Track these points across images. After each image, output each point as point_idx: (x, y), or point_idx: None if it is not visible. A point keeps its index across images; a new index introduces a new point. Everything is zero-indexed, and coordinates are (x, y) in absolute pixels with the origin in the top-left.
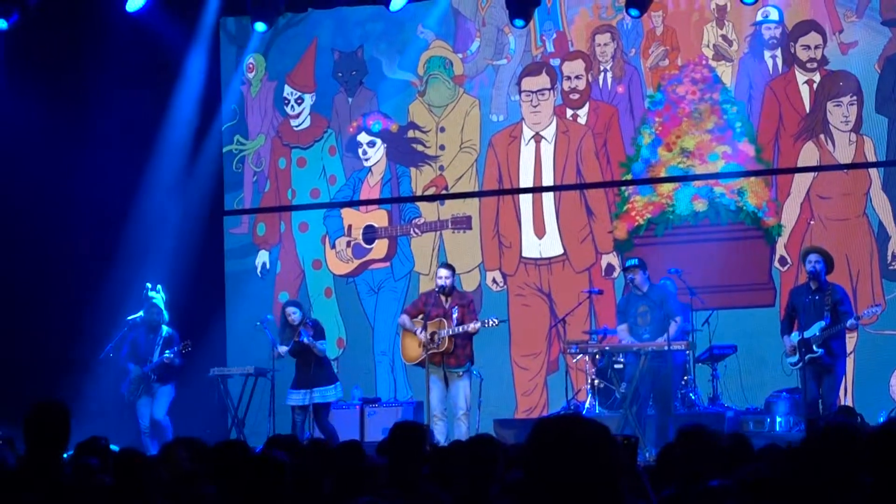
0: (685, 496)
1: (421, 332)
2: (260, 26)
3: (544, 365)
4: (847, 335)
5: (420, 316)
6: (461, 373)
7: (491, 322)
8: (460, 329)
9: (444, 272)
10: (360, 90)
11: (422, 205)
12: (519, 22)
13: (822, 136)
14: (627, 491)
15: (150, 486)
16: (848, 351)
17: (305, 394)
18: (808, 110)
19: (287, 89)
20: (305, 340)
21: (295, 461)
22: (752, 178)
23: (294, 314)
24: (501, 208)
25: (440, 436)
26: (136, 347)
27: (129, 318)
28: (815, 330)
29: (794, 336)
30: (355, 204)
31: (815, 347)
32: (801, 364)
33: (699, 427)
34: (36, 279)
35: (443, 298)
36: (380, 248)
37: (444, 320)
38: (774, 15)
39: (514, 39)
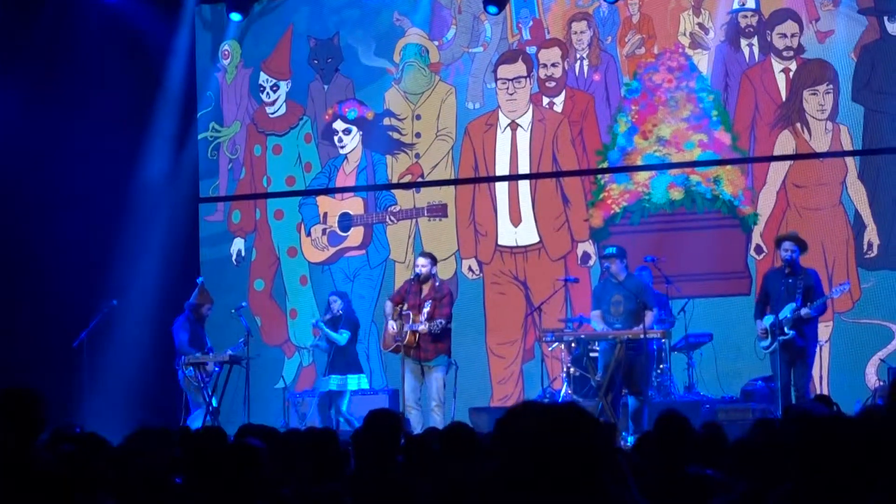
0: (664, 483)
1: (393, 323)
2: (235, 16)
3: (520, 353)
4: (822, 322)
5: (402, 304)
6: (432, 366)
7: (434, 326)
8: (423, 326)
9: (421, 260)
10: (336, 77)
11: (397, 192)
12: (492, 9)
13: (798, 125)
14: (608, 478)
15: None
16: (824, 339)
17: (324, 381)
18: (784, 99)
19: (262, 76)
20: (316, 324)
21: (269, 449)
22: (728, 167)
23: (335, 302)
24: (477, 196)
25: (416, 425)
26: (198, 338)
27: (115, 302)
28: (786, 312)
29: (767, 319)
30: (331, 191)
31: (786, 329)
32: (773, 347)
33: (675, 413)
34: (9, 268)
35: (421, 289)
36: (355, 235)
37: (413, 313)
38: (751, 3)
39: (490, 27)
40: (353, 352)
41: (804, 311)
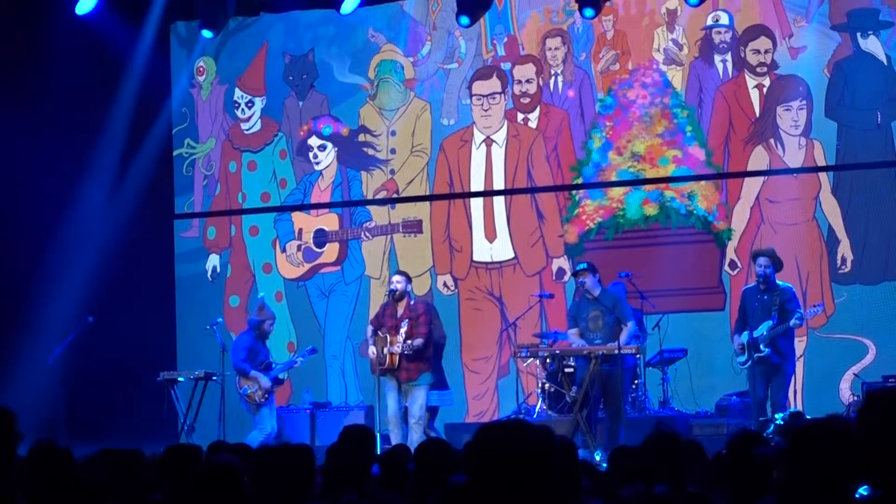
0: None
1: (373, 348)
2: (207, 33)
3: (495, 369)
4: (796, 337)
5: (381, 328)
6: (416, 384)
7: (406, 348)
8: (398, 348)
9: (396, 277)
10: (311, 94)
11: (373, 208)
12: (464, 20)
13: (771, 141)
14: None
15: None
16: (798, 354)
17: None
18: (757, 114)
19: (237, 93)
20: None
21: (244, 466)
22: (703, 182)
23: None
24: (452, 212)
25: (396, 441)
26: (256, 354)
27: (90, 319)
28: (762, 329)
29: (744, 336)
30: (306, 208)
31: (762, 347)
32: (749, 363)
33: (665, 430)
34: None
35: (397, 308)
36: (330, 251)
37: (391, 335)
38: (724, 19)
39: (464, 43)
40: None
41: (793, 322)
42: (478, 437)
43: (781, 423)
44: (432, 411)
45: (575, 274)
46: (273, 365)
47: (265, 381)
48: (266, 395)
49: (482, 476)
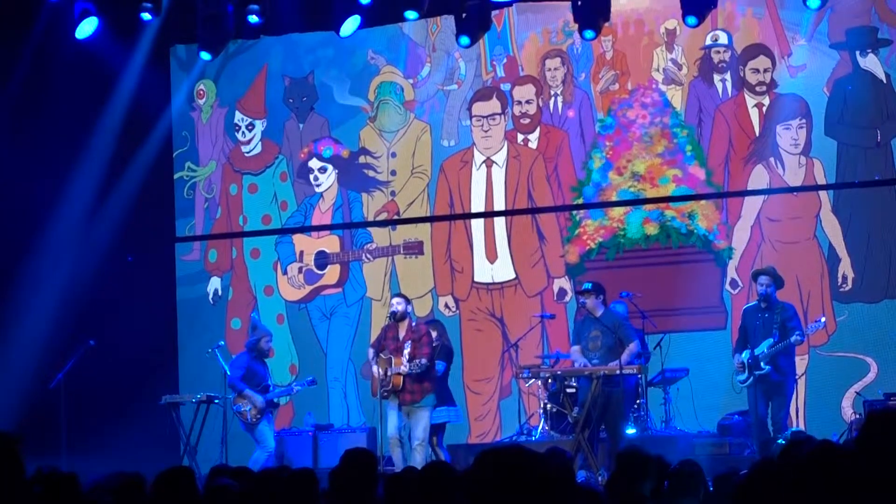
0: None
1: (377, 368)
2: (205, 55)
3: (497, 390)
4: (798, 356)
5: (383, 350)
6: (420, 406)
7: (414, 367)
8: (405, 368)
9: (396, 299)
10: (311, 116)
11: (373, 230)
12: (464, 40)
13: (771, 159)
14: None
15: None
16: (799, 373)
17: None
18: (757, 133)
19: (238, 115)
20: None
21: (246, 489)
22: (703, 202)
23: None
24: (453, 233)
25: (399, 463)
26: (254, 374)
27: (92, 342)
28: (763, 347)
29: (745, 354)
30: (307, 230)
31: (762, 364)
32: (749, 381)
33: (635, 449)
34: None
35: (399, 330)
36: (332, 273)
37: (394, 357)
38: (724, 39)
39: (464, 64)
40: (439, 382)
41: (794, 339)
42: (477, 464)
43: (784, 443)
44: (441, 429)
45: (580, 293)
46: (271, 388)
47: (259, 402)
48: (259, 416)
49: (481, 502)
